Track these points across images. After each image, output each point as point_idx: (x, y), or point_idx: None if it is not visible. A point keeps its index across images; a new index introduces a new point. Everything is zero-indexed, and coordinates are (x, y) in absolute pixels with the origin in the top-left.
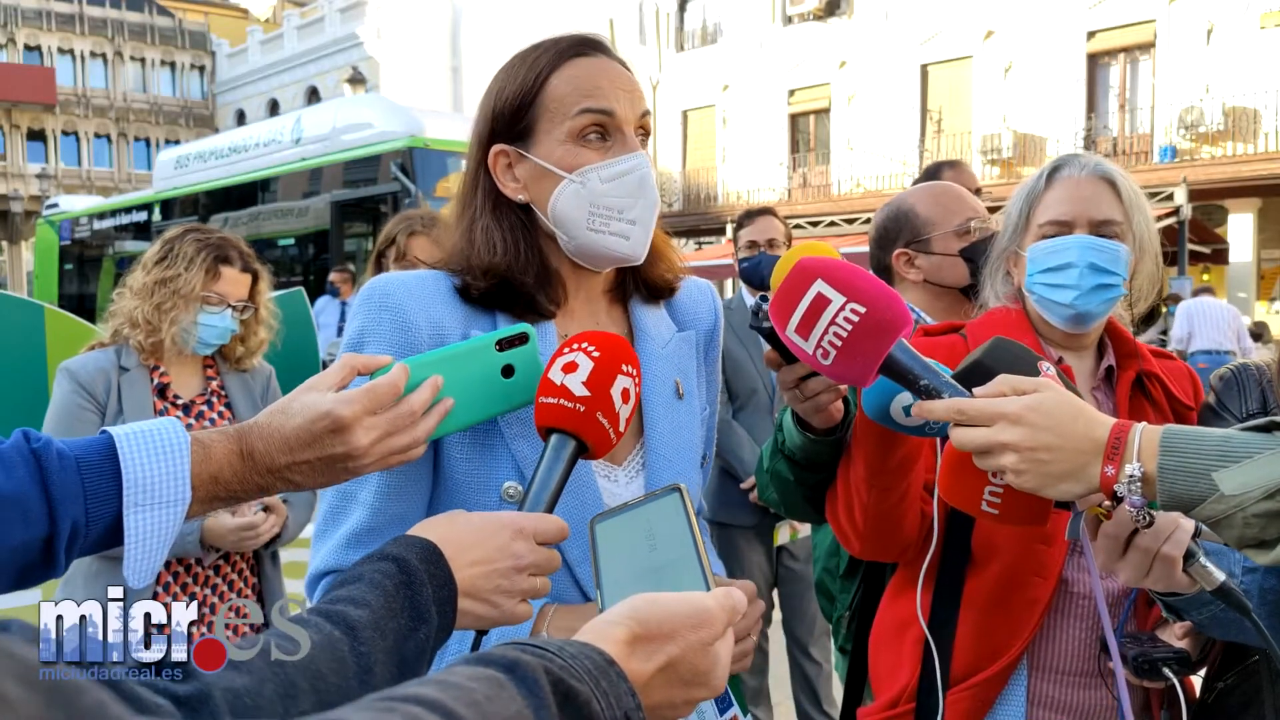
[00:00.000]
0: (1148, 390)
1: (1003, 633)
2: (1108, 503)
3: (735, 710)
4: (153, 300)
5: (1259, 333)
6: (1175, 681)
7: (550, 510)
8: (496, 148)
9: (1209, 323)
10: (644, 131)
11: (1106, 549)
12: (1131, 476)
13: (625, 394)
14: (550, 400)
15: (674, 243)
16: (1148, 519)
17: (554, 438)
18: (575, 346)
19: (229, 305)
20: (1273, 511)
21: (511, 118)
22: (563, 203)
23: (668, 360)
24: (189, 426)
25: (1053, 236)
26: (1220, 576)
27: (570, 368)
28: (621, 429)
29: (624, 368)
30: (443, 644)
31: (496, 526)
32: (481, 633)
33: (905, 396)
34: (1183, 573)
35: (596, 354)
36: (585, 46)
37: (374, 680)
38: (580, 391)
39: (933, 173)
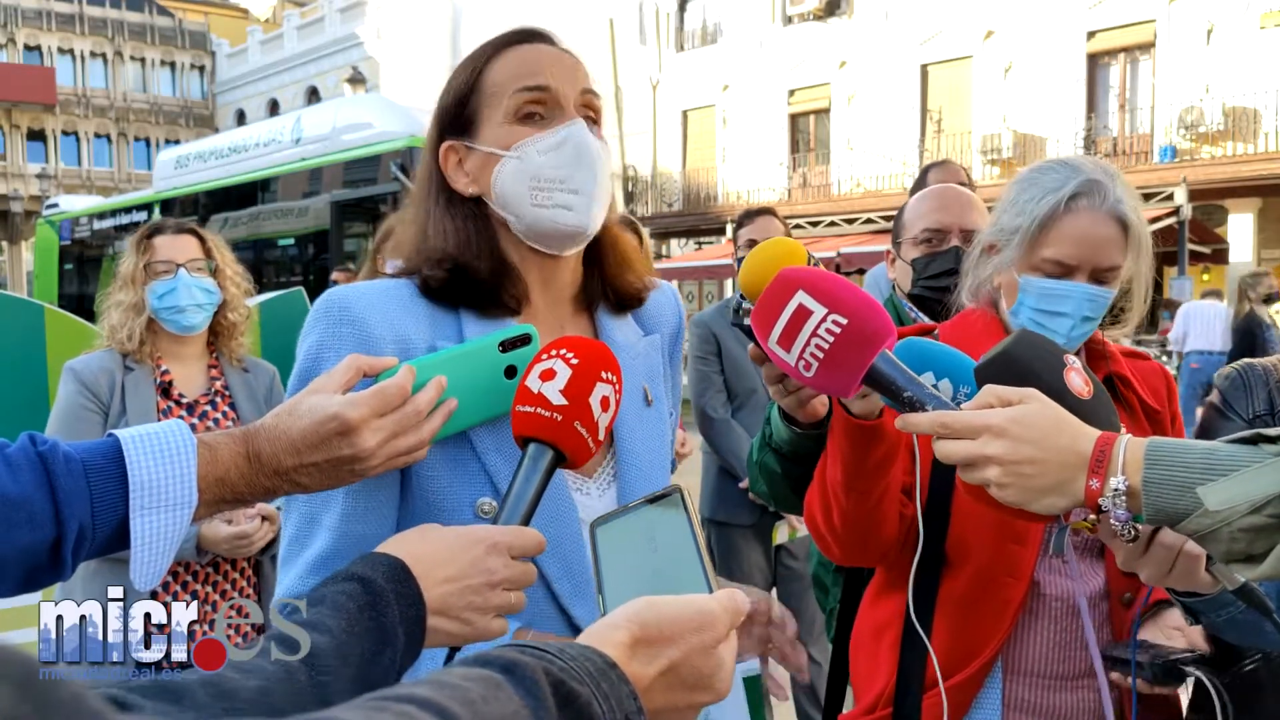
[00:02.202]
0: (1119, 392)
1: (977, 635)
2: (1092, 516)
3: None
4: (111, 302)
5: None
6: (1205, 679)
7: (527, 523)
8: (445, 144)
9: (1203, 323)
10: (592, 111)
11: (1128, 547)
12: (1116, 490)
13: (605, 402)
14: (527, 409)
15: (673, 244)
16: (1133, 533)
17: (531, 447)
18: (553, 353)
19: (178, 266)
20: (1258, 526)
21: (455, 110)
22: (503, 180)
23: (635, 367)
24: (193, 426)
25: (1054, 276)
26: (1242, 576)
27: (548, 375)
28: (601, 438)
29: (604, 375)
30: (412, 663)
31: (469, 541)
32: (454, 650)
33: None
34: (1205, 571)
35: (575, 361)
36: (524, 36)
37: None
38: (557, 400)
39: (922, 176)
